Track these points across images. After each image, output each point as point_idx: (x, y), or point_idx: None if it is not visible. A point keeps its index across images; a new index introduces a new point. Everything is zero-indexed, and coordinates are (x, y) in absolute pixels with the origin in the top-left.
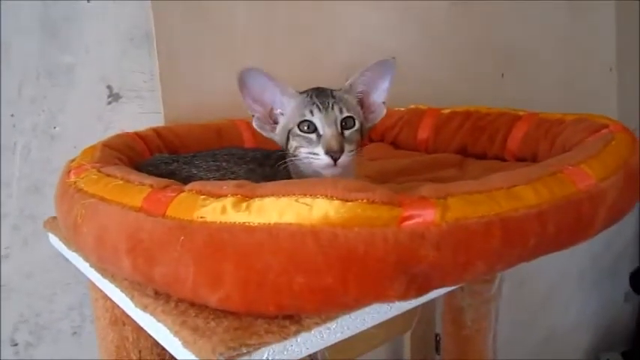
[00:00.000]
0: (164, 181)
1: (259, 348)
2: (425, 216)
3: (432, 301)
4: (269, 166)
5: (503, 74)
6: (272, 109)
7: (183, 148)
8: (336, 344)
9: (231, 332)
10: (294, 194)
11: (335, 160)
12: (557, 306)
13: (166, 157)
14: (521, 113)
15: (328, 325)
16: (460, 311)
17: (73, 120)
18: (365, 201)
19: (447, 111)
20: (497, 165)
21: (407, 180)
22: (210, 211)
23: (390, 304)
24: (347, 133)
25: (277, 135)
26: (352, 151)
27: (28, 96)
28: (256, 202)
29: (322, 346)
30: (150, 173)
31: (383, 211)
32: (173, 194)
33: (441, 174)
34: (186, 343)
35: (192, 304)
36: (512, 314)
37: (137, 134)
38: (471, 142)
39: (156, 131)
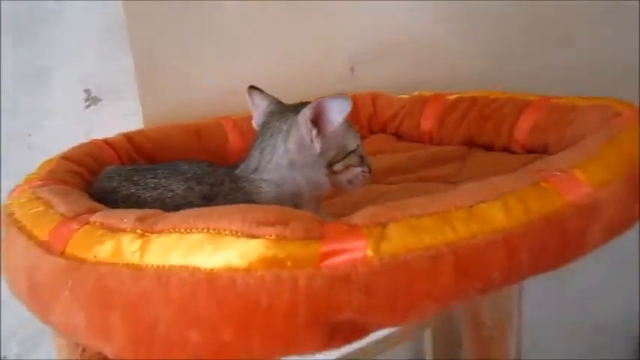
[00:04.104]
0: (82, 208)
1: None
2: (353, 251)
3: None
4: (208, 184)
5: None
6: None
7: (160, 153)
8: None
9: None
10: (196, 228)
11: None
12: (605, 296)
13: (113, 171)
14: (531, 98)
15: None
16: (479, 311)
17: (51, 127)
18: (274, 236)
19: (452, 97)
20: (503, 158)
21: (399, 180)
22: (103, 250)
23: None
24: None
25: (323, 144)
26: None
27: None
28: (153, 240)
29: None
30: (97, 190)
31: (295, 248)
32: (77, 226)
33: (438, 171)
34: None
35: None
36: (558, 307)
37: (106, 141)
38: (477, 133)
39: (127, 137)
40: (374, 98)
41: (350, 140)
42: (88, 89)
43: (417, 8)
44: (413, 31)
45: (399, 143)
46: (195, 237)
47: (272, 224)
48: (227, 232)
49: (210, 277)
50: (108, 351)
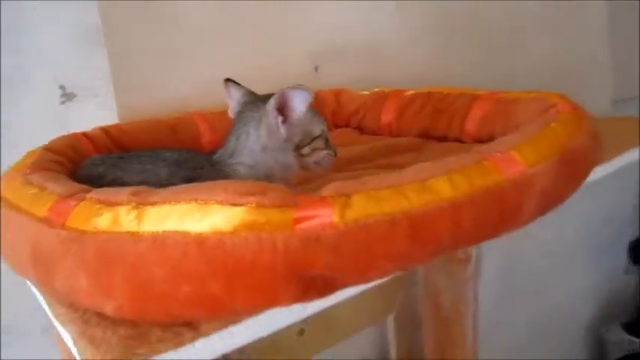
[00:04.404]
0: (75, 188)
1: (150, 356)
2: (322, 217)
3: (415, 281)
4: (190, 168)
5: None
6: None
7: (136, 146)
8: (309, 332)
9: (124, 342)
10: (185, 200)
11: None
12: (555, 280)
13: (97, 159)
14: (479, 92)
15: (230, 329)
16: (438, 293)
17: (27, 123)
18: (254, 204)
19: (409, 93)
20: (455, 147)
21: (361, 168)
22: (102, 221)
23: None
24: None
25: (288, 130)
26: None
27: None
28: (147, 211)
29: (228, 350)
30: (82, 176)
31: (273, 214)
32: (74, 203)
33: (397, 160)
34: (81, 353)
35: (97, 313)
36: (507, 291)
37: (84, 134)
38: (432, 126)
39: (104, 130)
40: (337, 94)
41: (315, 126)
42: (63, 85)
43: (380, 11)
44: (373, 31)
45: (362, 136)
46: (185, 207)
47: (252, 194)
48: (213, 201)
49: (200, 239)
50: (109, 308)
